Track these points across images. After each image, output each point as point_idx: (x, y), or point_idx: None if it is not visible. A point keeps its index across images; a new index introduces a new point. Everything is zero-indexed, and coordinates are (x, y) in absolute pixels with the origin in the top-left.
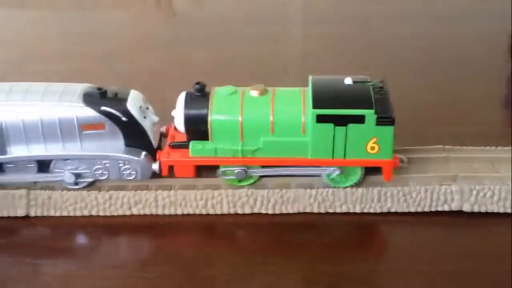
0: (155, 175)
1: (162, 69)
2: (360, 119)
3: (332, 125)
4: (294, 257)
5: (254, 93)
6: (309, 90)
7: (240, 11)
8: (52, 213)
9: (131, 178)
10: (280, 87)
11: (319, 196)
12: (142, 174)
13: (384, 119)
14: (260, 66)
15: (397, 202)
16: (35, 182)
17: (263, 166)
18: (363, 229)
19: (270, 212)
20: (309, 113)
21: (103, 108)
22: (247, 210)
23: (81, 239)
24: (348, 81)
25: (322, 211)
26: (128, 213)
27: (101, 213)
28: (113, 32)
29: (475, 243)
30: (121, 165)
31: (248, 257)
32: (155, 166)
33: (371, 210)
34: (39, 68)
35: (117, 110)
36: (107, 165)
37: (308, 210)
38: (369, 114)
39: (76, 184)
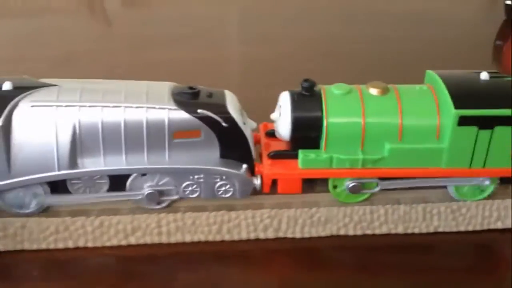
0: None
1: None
2: (510, 121)
3: (475, 128)
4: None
5: (374, 91)
6: (440, 87)
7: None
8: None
9: (227, 196)
10: (401, 84)
11: (437, 213)
12: (241, 191)
13: None
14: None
15: None
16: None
17: (380, 178)
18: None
19: (377, 232)
20: (450, 115)
21: (200, 111)
22: (358, 232)
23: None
24: (484, 76)
25: (445, 229)
26: (218, 238)
27: (174, 240)
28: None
29: None
30: (217, 180)
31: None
32: (257, 182)
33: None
34: None
35: (217, 114)
36: (200, 180)
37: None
38: None
39: (159, 203)
